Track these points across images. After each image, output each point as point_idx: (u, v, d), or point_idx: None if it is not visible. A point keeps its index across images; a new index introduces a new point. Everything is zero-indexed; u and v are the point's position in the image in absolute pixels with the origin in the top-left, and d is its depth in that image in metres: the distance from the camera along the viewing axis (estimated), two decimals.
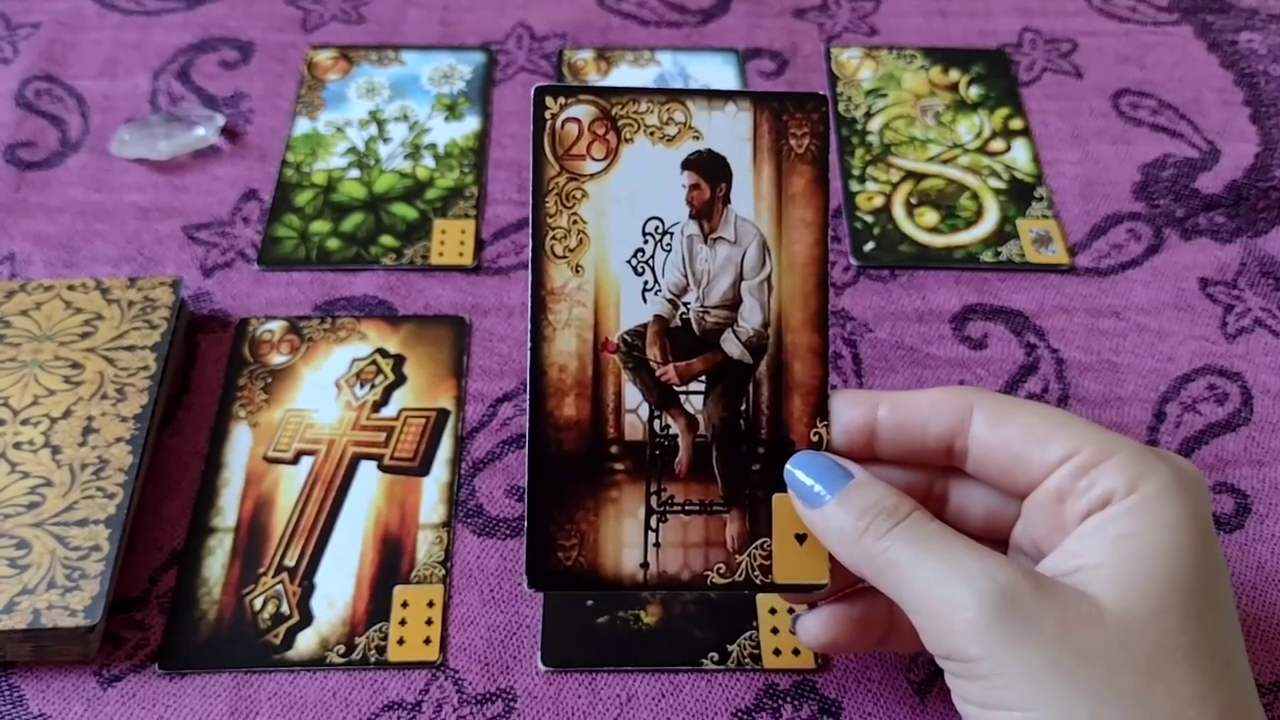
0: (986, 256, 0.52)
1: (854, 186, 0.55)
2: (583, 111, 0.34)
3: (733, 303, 0.34)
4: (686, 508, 0.34)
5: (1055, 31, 0.63)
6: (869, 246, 0.52)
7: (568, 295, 0.33)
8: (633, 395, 0.34)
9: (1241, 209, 0.55)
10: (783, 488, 0.33)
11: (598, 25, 0.62)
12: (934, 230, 0.53)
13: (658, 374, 0.34)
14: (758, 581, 0.33)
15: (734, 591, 0.33)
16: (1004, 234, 0.53)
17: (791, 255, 0.34)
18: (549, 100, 0.34)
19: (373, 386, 0.47)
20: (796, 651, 0.40)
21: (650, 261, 0.34)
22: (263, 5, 0.63)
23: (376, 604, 0.41)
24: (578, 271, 0.33)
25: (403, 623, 0.41)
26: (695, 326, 0.34)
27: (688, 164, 0.34)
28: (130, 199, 0.54)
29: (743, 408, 0.34)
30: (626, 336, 0.34)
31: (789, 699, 0.39)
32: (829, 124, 0.34)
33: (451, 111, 0.58)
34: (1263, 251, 0.53)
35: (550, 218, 0.33)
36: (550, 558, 0.33)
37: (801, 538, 0.33)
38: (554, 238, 0.33)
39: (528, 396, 0.33)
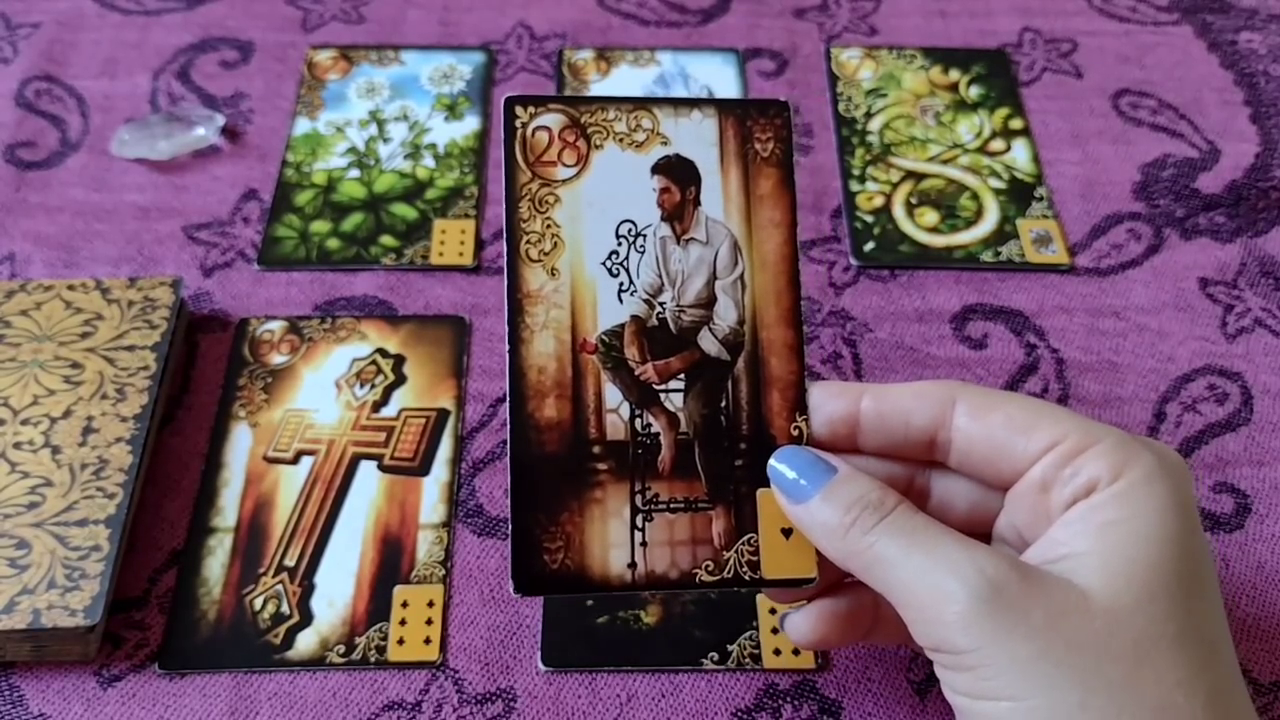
0: (986, 256, 0.52)
1: (854, 186, 0.55)
2: (552, 120, 0.34)
3: (707, 301, 0.34)
4: (672, 505, 0.34)
5: (1055, 31, 0.63)
6: (869, 246, 0.52)
7: (544, 298, 0.34)
8: (613, 395, 0.34)
9: (1241, 209, 0.55)
10: (766, 482, 0.33)
11: (598, 25, 0.62)
12: (934, 230, 0.53)
13: (637, 373, 0.34)
14: (746, 577, 0.33)
15: (723, 589, 0.34)
16: (1004, 234, 0.53)
17: (763, 254, 0.35)
18: (519, 109, 0.34)
19: (373, 386, 0.47)
20: (796, 651, 0.40)
21: (625, 263, 0.34)
22: (263, 5, 0.63)
23: (376, 604, 0.41)
24: (553, 274, 0.34)
25: (403, 623, 0.41)
26: (672, 325, 0.34)
27: (657, 168, 0.35)
28: (130, 199, 0.54)
29: (723, 404, 0.34)
30: (604, 337, 0.34)
31: (789, 699, 0.39)
32: (792, 128, 0.36)
33: (451, 111, 0.58)
34: (1263, 251, 0.53)
35: (524, 222, 0.34)
36: (536, 561, 0.33)
37: (787, 532, 0.33)
38: (529, 242, 0.34)
39: (507, 399, 0.33)
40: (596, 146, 0.34)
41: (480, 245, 0.52)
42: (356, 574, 0.42)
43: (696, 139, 0.35)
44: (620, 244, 0.34)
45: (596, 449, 0.33)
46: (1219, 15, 0.64)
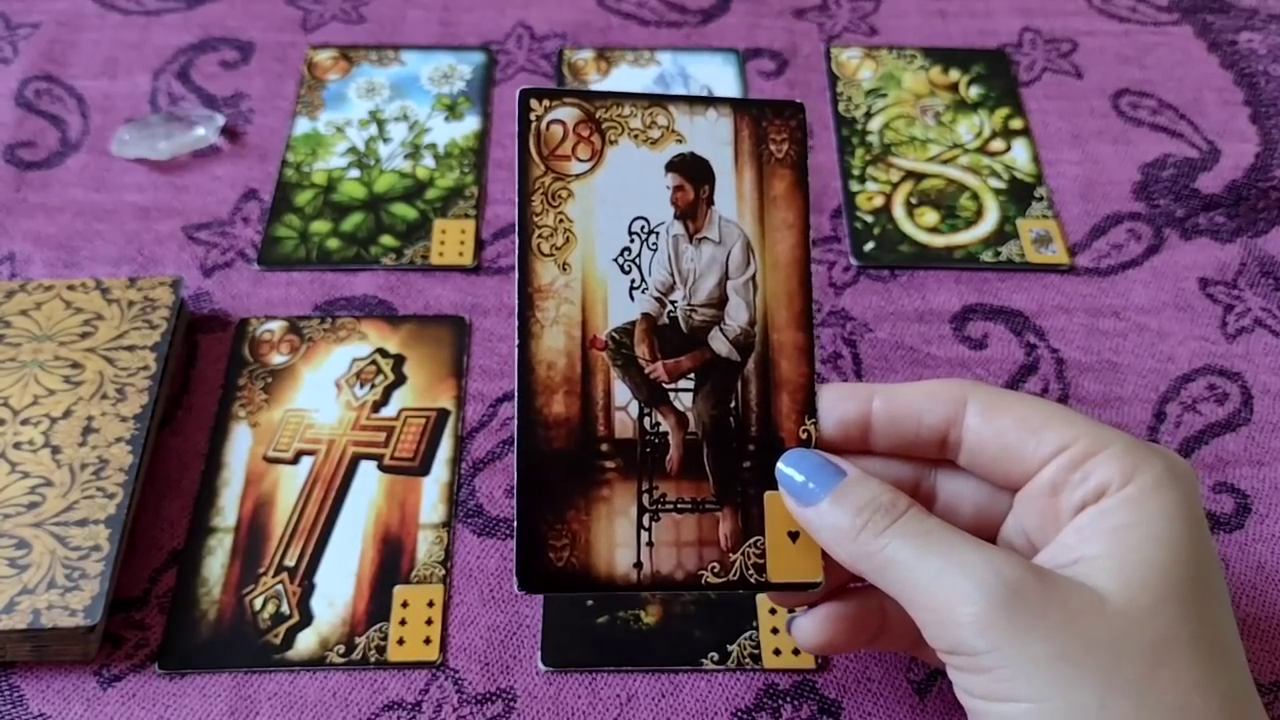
0: (986, 256, 0.52)
1: (854, 186, 0.55)
2: (567, 114, 0.34)
3: (719, 301, 0.34)
4: (679, 506, 0.34)
5: (1055, 31, 0.63)
6: (869, 246, 0.52)
7: (555, 292, 0.33)
8: (622, 393, 0.34)
9: (1241, 209, 0.55)
10: (774, 485, 0.33)
11: (598, 25, 0.62)
12: (934, 230, 0.53)
13: (646, 371, 0.34)
14: (752, 580, 0.33)
15: (729, 591, 0.33)
16: (1004, 234, 0.53)
17: (775, 255, 0.35)
18: (534, 102, 0.34)
19: (373, 386, 0.47)
20: (796, 651, 0.40)
21: (637, 260, 0.34)
22: (263, 5, 0.63)
23: (376, 604, 0.41)
24: (565, 269, 0.34)
25: (403, 623, 0.41)
26: (683, 324, 0.34)
27: (671, 166, 0.34)
28: (130, 199, 0.54)
29: (732, 405, 0.34)
30: (615, 334, 0.34)
31: (789, 699, 0.39)
32: (807, 130, 0.35)
33: (451, 111, 0.58)
34: (1263, 251, 0.53)
35: (536, 216, 0.34)
36: (541, 558, 0.32)
37: (794, 536, 0.33)
38: (540, 236, 0.34)
39: (516, 394, 0.33)
40: (611, 142, 0.34)
41: (480, 245, 0.52)
42: (356, 574, 0.42)
43: (711, 138, 0.35)
44: (633, 241, 0.34)
45: (605, 446, 0.33)
46: (1219, 15, 0.64)
